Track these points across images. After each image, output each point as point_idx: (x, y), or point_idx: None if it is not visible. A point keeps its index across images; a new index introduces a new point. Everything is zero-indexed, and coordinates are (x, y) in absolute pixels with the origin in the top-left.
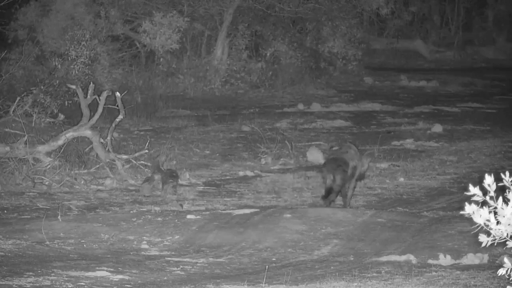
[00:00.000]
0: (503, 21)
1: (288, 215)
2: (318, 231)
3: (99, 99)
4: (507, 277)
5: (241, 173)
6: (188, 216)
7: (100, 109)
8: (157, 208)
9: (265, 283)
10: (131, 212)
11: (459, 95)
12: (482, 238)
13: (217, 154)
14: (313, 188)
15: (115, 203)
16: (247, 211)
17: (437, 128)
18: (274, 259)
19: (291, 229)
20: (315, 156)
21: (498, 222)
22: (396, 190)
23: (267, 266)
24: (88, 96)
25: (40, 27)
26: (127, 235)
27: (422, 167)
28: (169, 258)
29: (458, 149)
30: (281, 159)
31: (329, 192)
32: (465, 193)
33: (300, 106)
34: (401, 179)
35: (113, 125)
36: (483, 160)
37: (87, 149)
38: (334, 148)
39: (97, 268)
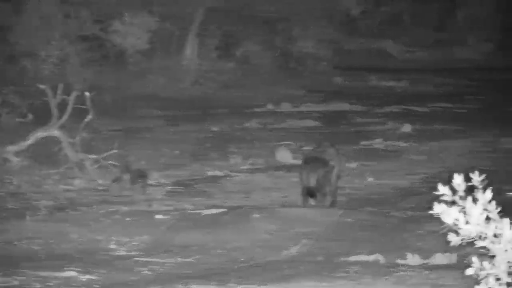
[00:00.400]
0: (476, 21)
1: (257, 215)
2: (287, 231)
3: (69, 99)
4: (476, 277)
5: (210, 173)
6: (157, 216)
7: (69, 109)
8: (125, 208)
9: (234, 283)
10: (100, 212)
11: (429, 95)
12: (451, 237)
13: (187, 154)
14: (282, 188)
15: (84, 203)
16: (216, 211)
17: (407, 128)
18: (243, 259)
19: (260, 229)
20: (284, 156)
21: (467, 222)
22: (365, 190)
23: (236, 266)
24: (58, 96)
25: (11, 27)
26: (96, 235)
27: (391, 166)
28: (137, 258)
29: (428, 149)
30: (250, 159)
31: (309, 191)
32: (434, 192)
33: (270, 106)
34: (370, 179)
35: (83, 125)
36: (454, 160)
37: (56, 149)
38: (303, 148)
39: (66, 268)
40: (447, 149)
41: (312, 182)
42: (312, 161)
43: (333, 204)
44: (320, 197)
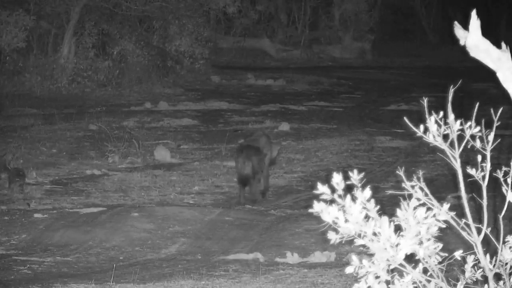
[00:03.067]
0: (349, 20)
1: (136, 214)
2: (165, 229)
3: None
4: (355, 275)
5: (88, 172)
6: (35, 215)
7: None
8: (3, 207)
9: (112, 282)
10: None
11: (305, 94)
12: (331, 235)
13: (64, 153)
14: (161, 186)
15: None
16: (94, 210)
17: (284, 126)
18: (121, 258)
19: (138, 227)
20: (163, 154)
21: (346, 220)
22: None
23: (114, 265)
24: None
25: None
26: None
27: None
28: (16, 257)
29: (305, 147)
30: (128, 157)
31: (245, 180)
32: (314, 191)
33: (147, 105)
34: None
35: None
36: (330, 158)
37: None
38: (181, 147)
39: None
40: (324, 148)
41: (247, 169)
42: (246, 149)
43: (265, 192)
44: (254, 185)
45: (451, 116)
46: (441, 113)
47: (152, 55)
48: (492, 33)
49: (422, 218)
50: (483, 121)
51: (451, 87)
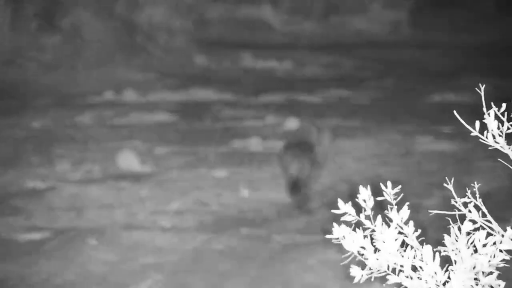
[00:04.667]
0: None
1: (93, 241)
2: (133, 261)
3: None
4: None
5: (30, 184)
6: None
7: None
8: None
9: None
10: None
11: (320, 80)
12: (355, 270)
13: None
14: (127, 204)
15: None
16: (38, 235)
17: (292, 123)
18: None
19: (97, 258)
20: (129, 161)
21: (376, 250)
22: (239, 206)
23: None
24: None
25: None
26: None
27: (272, 175)
28: None
29: None
30: (84, 165)
31: (295, 184)
32: (332, 210)
33: (109, 95)
34: (245, 191)
35: None
36: (353, 166)
37: None
38: (155, 152)
39: None
40: (345, 152)
41: (295, 171)
42: (294, 146)
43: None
44: (306, 191)
45: None
46: (504, 106)
47: (116, 28)
48: None
49: (479, 247)
50: None
51: None
